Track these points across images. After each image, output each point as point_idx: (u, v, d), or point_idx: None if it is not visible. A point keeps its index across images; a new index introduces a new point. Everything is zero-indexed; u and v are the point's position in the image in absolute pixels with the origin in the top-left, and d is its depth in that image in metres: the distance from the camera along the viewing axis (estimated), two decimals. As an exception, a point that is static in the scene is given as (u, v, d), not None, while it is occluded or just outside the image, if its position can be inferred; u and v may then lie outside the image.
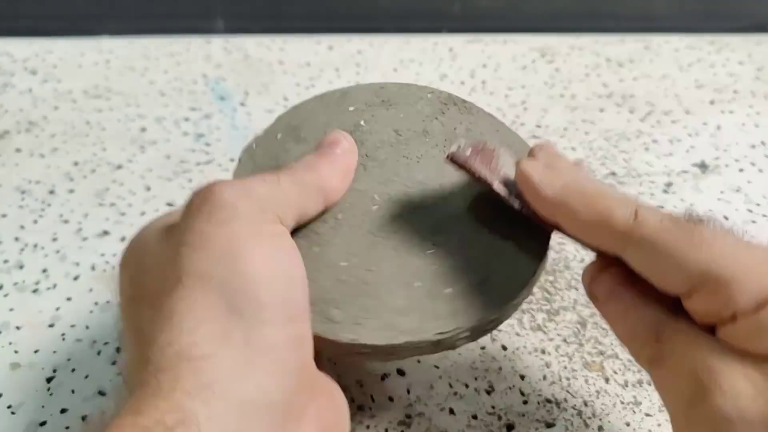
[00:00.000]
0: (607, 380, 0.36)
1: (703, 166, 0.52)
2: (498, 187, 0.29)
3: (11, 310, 0.40)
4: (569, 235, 0.28)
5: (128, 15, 0.71)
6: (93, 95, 0.60)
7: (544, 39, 0.71)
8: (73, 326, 0.39)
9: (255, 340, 0.23)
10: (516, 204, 0.29)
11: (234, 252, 0.24)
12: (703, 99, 0.61)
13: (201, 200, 0.25)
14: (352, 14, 0.72)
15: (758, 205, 0.48)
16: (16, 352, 0.37)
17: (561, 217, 0.27)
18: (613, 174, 0.50)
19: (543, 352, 0.37)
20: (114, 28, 0.71)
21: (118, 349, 0.37)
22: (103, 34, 0.70)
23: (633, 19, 0.73)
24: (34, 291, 0.41)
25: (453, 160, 0.30)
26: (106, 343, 0.38)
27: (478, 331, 0.28)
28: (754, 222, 0.46)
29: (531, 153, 0.31)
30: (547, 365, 0.36)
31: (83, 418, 0.34)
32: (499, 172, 0.30)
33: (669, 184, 0.50)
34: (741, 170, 0.51)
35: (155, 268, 0.25)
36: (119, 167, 0.51)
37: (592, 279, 0.28)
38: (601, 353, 0.37)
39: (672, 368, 0.25)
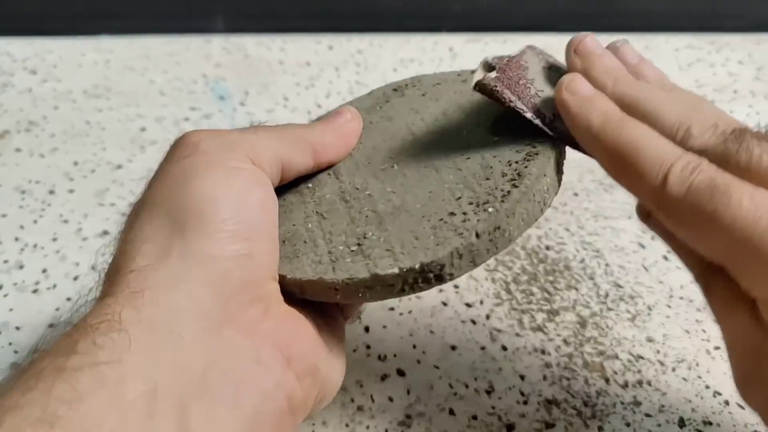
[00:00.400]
0: (607, 380, 0.36)
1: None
2: (531, 116, 0.28)
3: (11, 310, 0.39)
4: None
5: (128, 15, 0.71)
6: (93, 95, 0.60)
7: (544, 39, 0.71)
8: (73, 326, 0.39)
9: (193, 252, 0.24)
10: (552, 132, 0.28)
11: (186, 179, 0.25)
12: (703, 99, 0.61)
13: (173, 145, 0.28)
14: (352, 14, 0.71)
15: None
16: (15, 352, 0.37)
17: (597, 158, 0.27)
18: (613, 174, 0.50)
19: (543, 352, 0.37)
20: (114, 27, 0.71)
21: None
22: (103, 34, 0.70)
23: (634, 18, 0.73)
24: (34, 291, 0.41)
25: (480, 89, 0.28)
26: (106, 344, 0.38)
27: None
28: (754, 222, 0.46)
29: (570, 61, 0.30)
30: (547, 365, 0.36)
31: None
32: (530, 92, 0.28)
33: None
34: (741, 170, 0.51)
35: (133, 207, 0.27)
36: (119, 167, 0.51)
37: (643, 218, 0.29)
38: (601, 353, 0.37)
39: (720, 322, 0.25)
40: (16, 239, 0.44)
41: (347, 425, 0.34)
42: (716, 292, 0.25)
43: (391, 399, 0.35)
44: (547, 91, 0.29)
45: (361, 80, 0.63)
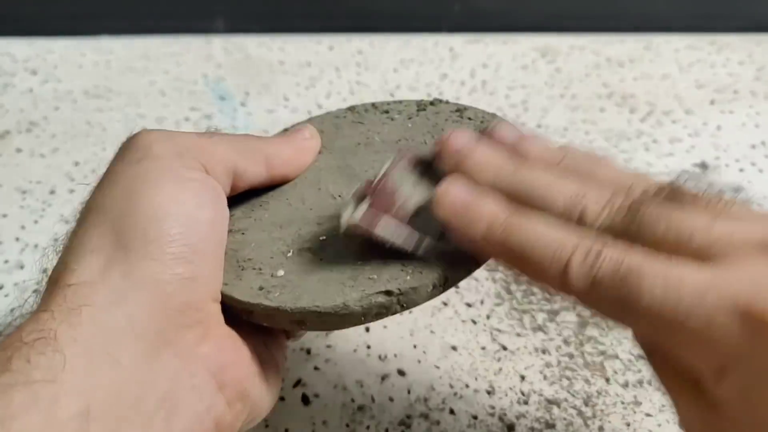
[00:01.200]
0: (607, 380, 0.36)
1: (703, 166, 0.52)
2: (407, 242, 0.26)
3: (12, 310, 0.40)
4: None
5: (129, 15, 0.71)
6: (93, 95, 0.60)
7: (544, 39, 0.71)
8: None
9: (136, 273, 0.23)
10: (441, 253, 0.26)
11: (135, 189, 0.25)
12: (703, 99, 0.61)
13: (124, 144, 0.27)
14: (353, 14, 0.71)
15: (759, 205, 0.48)
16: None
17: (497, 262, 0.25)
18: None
19: (543, 351, 0.37)
20: (114, 27, 0.71)
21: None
22: (104, 34, 0.70)
23: (634, 18, 0.73)
24: (35, 291, 0.41)
25: (353, 231, 0.26)
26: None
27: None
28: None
29: (444, 163, 0.28)
30: (548, 365, 0.36)
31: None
32: (406, 215, 0.27)
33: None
34: (741, 170, 0.52)
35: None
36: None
37: None
38: (602, 353, 0.37)
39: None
40: (17, 239, 0.44)
41: (347, 425, 0.34)
42: (659, 366, 0.23)
43: (391, 399, 0.35)
44: (425, 207, 0.27)
45: (361, 80, 0.63)
